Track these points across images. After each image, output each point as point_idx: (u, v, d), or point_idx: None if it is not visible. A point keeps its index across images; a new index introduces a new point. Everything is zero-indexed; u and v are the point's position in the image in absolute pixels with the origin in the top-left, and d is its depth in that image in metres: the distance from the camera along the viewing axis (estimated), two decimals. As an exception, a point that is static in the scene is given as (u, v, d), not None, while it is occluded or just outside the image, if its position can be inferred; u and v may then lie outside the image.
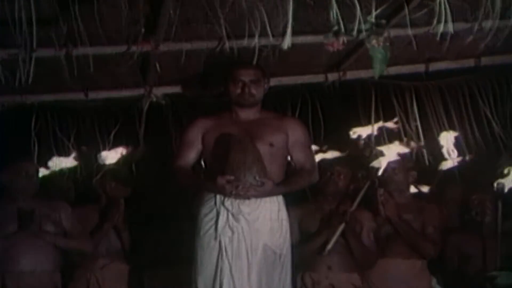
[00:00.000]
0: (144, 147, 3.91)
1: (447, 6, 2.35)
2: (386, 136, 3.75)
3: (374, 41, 2.50)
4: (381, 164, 3.48)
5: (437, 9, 2.30)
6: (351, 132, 3.77)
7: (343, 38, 2.33)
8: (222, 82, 2.99)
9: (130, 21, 2.63)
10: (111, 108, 3.83)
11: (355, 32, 2.40)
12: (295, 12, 2.46)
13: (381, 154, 3.49)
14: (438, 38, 2.55)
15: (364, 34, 2.45)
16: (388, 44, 2.54)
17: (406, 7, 2.53)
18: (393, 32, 2.71)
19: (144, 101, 3.45)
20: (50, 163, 3.96)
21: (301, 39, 2.88)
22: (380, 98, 3.82)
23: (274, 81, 3.34)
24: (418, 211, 3.42)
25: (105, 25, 2.65)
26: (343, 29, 2.24)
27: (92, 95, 3.52)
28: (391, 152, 3.49)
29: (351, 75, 3.51)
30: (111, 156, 3.91)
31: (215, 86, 3.35)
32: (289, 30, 2.15)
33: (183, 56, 2.95)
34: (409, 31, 2.63)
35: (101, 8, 2.50)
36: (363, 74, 3.49)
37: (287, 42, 2.17)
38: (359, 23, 2.36)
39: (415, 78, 3.70)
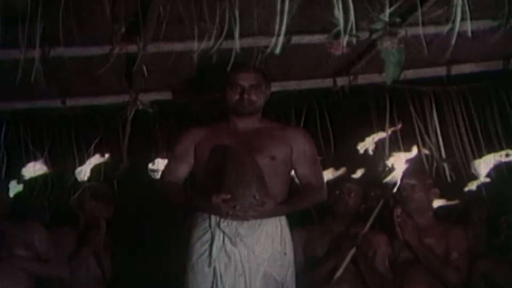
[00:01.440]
0: (128, 160, 3.92)
1: (470, 1, 2.37)
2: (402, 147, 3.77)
3: (387, 43, 2.52)
4: (397, 179, 3.49)
5: (458, 4, 2.31)
6: (362, 143, 3.79)
7: (346, 40, 2.34)
8: (217, 87, 2.99)
9: (114, 18, 2.64)
10: (91, 117, 3.84)
11: (360, 33, 2.42)
12: (301, 9, 2.48)
13: (392, 168, 3.51)
14: (454, 38, 2.55)
15: (376, 34, 2.47)
16: (403, 45, 2.56)
17: (419, 4, 2.54)
18: (410, 31, 2.73)
19: (129, 108, 3.46)
20: (22, 179, 3.96)
21: (306, 39, 2.90)
22: (396, 105, 3.84)
23: (276, 86, 3.36)
24: (441, 234, 3.41)
25: (85, 23, 2.66)
26: (348, 29, 2.26)
27: (71, 102, 3.53)
28: (401, 161, 3.50)
29: (363, 79, 3.53)
30: (89, 172, 3.92)
31: (210, 91, 3.36)
32: (281, 31, 2.15)
33: (173, 58, 2.96)
34: (428, 30, 2.65)
35: (81, 3, 2.51)
36: (376, 78, 3.50)
37: (279, 44, 2.17)
38: (371, 22, 2.38)
39: (435, 82, 3.72)
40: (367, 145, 3.87)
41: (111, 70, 3.02)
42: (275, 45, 2.62)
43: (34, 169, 3.97)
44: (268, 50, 2.45)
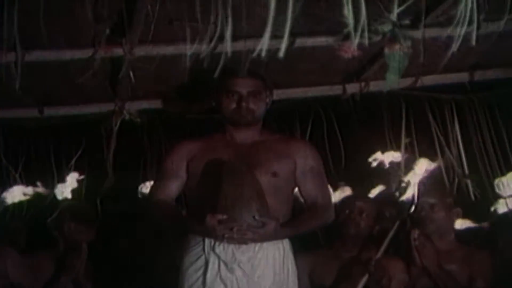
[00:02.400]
0: (113, 177, 3.92)
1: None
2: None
3: (396, 46, 2.52)
4: (415, 197, 3.49)
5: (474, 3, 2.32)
6: (374, 157, 3.79)
7: (357, 42, 2.35)
8: (212, 95, 3.01)
9: (96, 18, 2.65)
10: (72, 128, 3.85)
11: (373, 34, 2.43)
12: (305, 8, 2.49)
13: (409, 185, 3.51)
14: (458, 40, 2.55)
15: (389, 36, 2.48)
16: (409, 50, 2.57)
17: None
18: (428, 33, 2.74)
19: (114, 119, 3.46)
20: (-6, 199, 3.97)
21: (311, 41, 2.92)
22: (413, 114, 3.85)
23: (278, 94, 3.37)
24: (464, 259, 3.40)
25: (64, 23, 2.67)
26: (360, 30, 2.26)
27: (49, 111, 3.53)
28: (419, 177, 3.50)
29: (375, 86, 3.53)
30: (70, 189, 3.92)
31: (204, 100, 3.36)
32: (283, 32, 2.16)
33: (163, 63, 2.97)
34: (447, 32, 2.65)
35: (59, 1, 2.53)
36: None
37: (281, 47, 2.18)
38: (383, 22, 2.39)
39: (456, 89, 3.72)
40: (380, 158, 3.87)
41: (94, 75, 3.03)
42: (277, 48, 2.64)
43: (8, 191, 3.98)
44: (269, 54, 2.46)
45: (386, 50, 2.48)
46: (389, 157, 3.86)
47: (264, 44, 1.65)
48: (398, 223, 3.39)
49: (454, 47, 2.18)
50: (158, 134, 3.99)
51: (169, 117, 3.77)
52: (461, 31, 2.47)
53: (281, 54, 1.79)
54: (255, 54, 2.27)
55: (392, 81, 2.44)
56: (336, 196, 3.66)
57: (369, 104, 3.71)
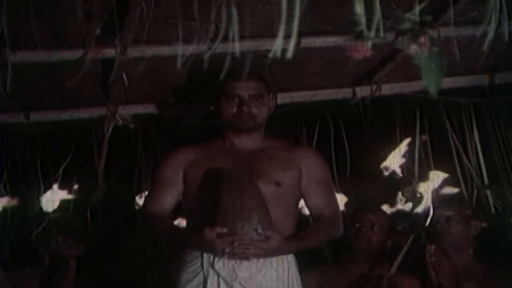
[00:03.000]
0: (104, 187, 3.92)
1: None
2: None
3: (414, 46, 2.52)
4: (430, 209, 3.48)
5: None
6: (386, 166, 3.78)
7: (370, 42, 2.35)
8: (211, 99, 3.02)
9: (87, 16, 2.66)
10: (60, 135, 3.86)
11: (386, 33, 2.42)
12: (312, 5, 2.49)
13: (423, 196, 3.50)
14: (487, 40, 2.55)
15: (403, 35, 2.47)
16: (436, 48, 2.57)
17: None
18: (444, 32, 2.74)
19: (106, 124, 3.47)
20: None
21: (319, 41, 2.92)
22: (428, 120, 3.84)
23: (283, 98, 3.38)
24: (484, 276, 3.39)
25: (52, 22, 2.68)
26: (373, 28, 2.26)
27: (35, 116, 3.54)
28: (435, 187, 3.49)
29: (388, 89, 3.54)
30: (58, 200, 3.92)
31: (202, 104, 3.38)
32: (289, 32, 2.16)
33: (159, 64, 2.98)
34: (465, 31, 2.66)
35: (47, -1, 2.54)
36: (404, 87, 3.52)
37: (287, 47, 2.19)
38: (397, 21, 2.39)
39: (475, 93, 3.72)
40: (393, 166, 3.86)
41: (84, 78, 3.03)
42: (282, 48, 2.64)
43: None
44: (273, 55, 2.46)
45: (409, 51, 2.48)
46: (399, 161, 3.86)
47: (277, 44, 1.65)
48: (412, 238, 3.38)
49: (485, 46, 2.17)
50: (153, 141, 3.98)
51: (164, 122, 3.76)
52: (485, 29, 2.47)
53: (289, 54, 1.79)
54: (266, 55, 2.28)
55: (435, 84, 2.43)
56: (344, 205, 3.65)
57: (380, 108, 3.71)
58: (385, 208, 3.78)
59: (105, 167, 3.79)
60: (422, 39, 2.54)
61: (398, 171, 3.78)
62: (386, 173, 3.82)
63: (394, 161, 3.74)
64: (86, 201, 3.96)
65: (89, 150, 3.82)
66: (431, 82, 2.55)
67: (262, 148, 2.93)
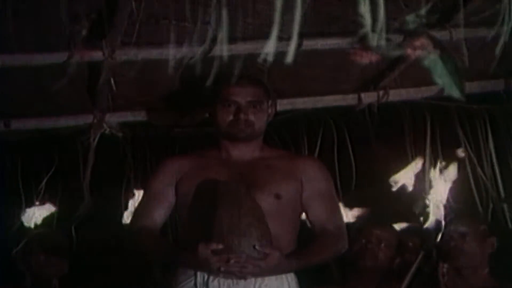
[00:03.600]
0: (90, 200, 3.93)
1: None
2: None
3: (409, 49, 2.53)
4: (441, 224, 3.49)
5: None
6: (394, 178, 3.79)
7: (375, 45, 2.36)
8: (206, 105, 3.03)
9: (72, 16, 2.67)
10: (43, 144, 3.86)
11: (393, 36, 2.42)
12: (314, 5, 2.51)
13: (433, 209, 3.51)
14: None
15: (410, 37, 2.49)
16: (438, 51, 2.58)
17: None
18: (457, 34, 2.76)
19: (92, 133, 3.48)
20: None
21: (322, 43, 2.94)
22: (439, 128, 3.85)
23: (283, 104, 3.39)
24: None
25: (35, 23, 2.69)
26: (379, 30, 2.27)
27: (17, 124, 3.54)
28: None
29: (396, 95, 3.55)
30: (40, 215, 3.92)
31: (196, 111, 3.38)
32: (290, 33, 2.17)
33: (150, 68, 2.99)
34: (477, 33, 2.67)
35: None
36: (413, 93, 3.53)
37: (287, 50, 2.20)
38: (404, 22, 2.40)
39: (490, 99, 3.73)
40: (403, 179, 3.87)
41: (69, 83, 3.03)
42: (281, 51, 2.65)
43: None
44: (268, 58, 2.47)
45: (409, 54, 2.49)
46: (410, 176, 3.86)
47: (270, 46, 1.65)
48: (423, 255, 3.39)
49: (498, 49, 2.18)
50: (143, 151, 3.99)
51: (155, 130, 3.78)
52: (498, 31, 2.48)
53: (289, 58, 1.80)
54: (259, 59, 2.28)
55: (457, 88, 2.44)
56: (349, 219, 3.66)
57: (388, 116, 3.71)
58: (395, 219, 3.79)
59: (91, 179, 3.79)
60: (418, 42, 2.55)
61: (409, 184, 3.79)
62: (395, 187, 3.83)
63: (404, 176, 3.76)
64: (70, 216, 3.97)
65: (74, 160, 3.83)
66: (452, 85, 2.56)
67: (260, 158, 2.94)
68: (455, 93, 2.55)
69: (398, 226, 3.83)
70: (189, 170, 2.93)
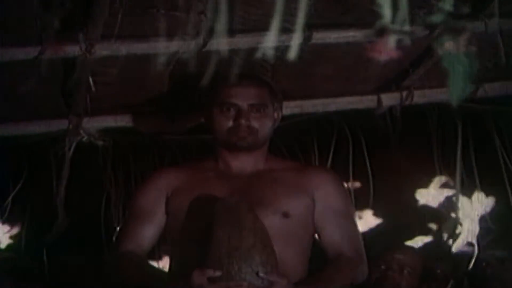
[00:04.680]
0: (65, 219, 3.93)
1: None
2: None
3: (449, 43, 2.53)
4: (475, 248, 3.49)
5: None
6: (419, 193, 3.79)
7: (396, 39, 2.35)
8: (200, 109, 3.03)
9: (45, 5, 2.67)
10: (11, 153, 3.86)
11: (417, 28, 2.42)
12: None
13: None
14: None
15: (438, 30, 2.47)
16: (474, 48, 2.58)
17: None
18: (494, 25, 2.76)
19: (67, 141, 3.48)
20: None
21: (335, 36, 2.94)
22: (472, 135, 3.85)
23: (290, 107, 3.39)
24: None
25: (0, 13, 2.69)
26: (400, 22, 2.27)
27: (-21, 131, 3.55)
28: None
29: (421, 96, 3.55)
30: (6, 236, 3.92)
31: (189, 115, 3.38)
32: (297, 25, 2.17)
33: (134, 65, 2.99)
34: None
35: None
36: (441, 94, 3.52)
37: (294, 44, 2.20)
38: (430, 12, 2.40)
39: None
40: (428, 195, 3.87)
41: (40, 83, 3.05)
42: (289, 46, 2.64)
43: None
44: (277, 54, 2.45)
45: (438, 50, 2.49)
46: (438, 191, 3.86)
47: (275, 40, 1.64)
48: (452, 284, 3.38)
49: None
50: (127, 162, 3.98)
51: (141, 138, 3.77)
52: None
53: (292, 54, 1.79)
54: (262, 54, 2.26)
55: (458, 92, 2.44)
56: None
57: (412, 121, 3.71)
58: (419, 242, 3.79)
59: (66, 194, 3.79)
60: (462, 36, 2.55)
61: (435, 201, 3.79)
62: (419, 204, 3.83)
63: (430, 191, 3.76)
64: (42, 237, 3.96)
65: (46, 173, 3.82)
66: (454, 88, 2.56)
67: (264, 171, 2.93)
68: (452, 98, 2.56)
69: (423, 250, 3.82)
70: (181, 185, 2.92)
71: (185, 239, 2.86)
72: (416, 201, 3.94)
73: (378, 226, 4.09)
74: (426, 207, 4.02)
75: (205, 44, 2.81)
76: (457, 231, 3.73)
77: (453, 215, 3.85)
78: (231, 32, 2.79)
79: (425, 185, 3.99)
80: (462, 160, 3.83)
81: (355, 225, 3.00)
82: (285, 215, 2.84)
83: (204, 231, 2.72)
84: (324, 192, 2.92)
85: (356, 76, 3.45)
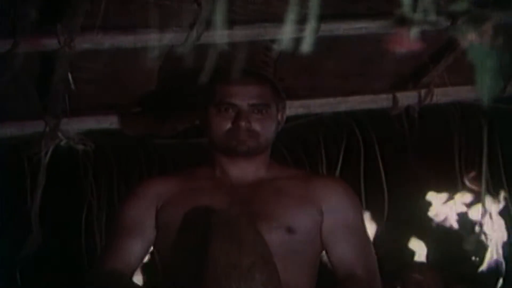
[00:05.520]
0: (40, 234, 3.92)
1: None
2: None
3: (472, 35, 2.54)
4: (501, 266, 3.50)
5: None
6: (439, 205, 3.80)
7: (415, 31, 2.36)
8: (195, 109, 3.03)
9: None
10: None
11: (439, 17, 2.42)
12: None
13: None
14: None
15: (461, 20, 2.48)
16: (501, 40, 2.59)
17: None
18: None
19: (43, 145, 3.48)
20: None
21: (344, 27, 2.94)
22: (500, 139, 3.85)
23: (295, 107, 3.39)
24: None
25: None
26: (420, 11, 2.28)
27: None
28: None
29: (442, 94, 3.56)
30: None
31: (181, 116, 3.38)
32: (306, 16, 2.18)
33: (120, 60, 3.00)
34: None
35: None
36: (466, 92, 3.53)
37: (303, 37, 2.20)
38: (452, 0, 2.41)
39: None
40: (450, 208, 3.88)
41: (14, 80, 3.05)
42: (295, 39, 2.65)
43: None
44: (280, 47, 2.46)
45: (462, 42, 2.50)
46: (461, 204, 3.87)
47: (286, 31, 1.64)
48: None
49: None
50: (111, 169, 3.99)
51: (127, 142, 3.77)
52: None
53: (305, 47, 1.79)
54: (270, 48, 2.27)
55: (490, 88, 2.45)
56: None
57: (432, 123, 3.72)
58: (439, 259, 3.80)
59: (42, 205, 3.79)
60: (488, 26, 2.56)
61: (454, 220, 3.79)
62: (439, 217, 3.84)
63: (451, 205, 3.76)
64: (14, 256, 3.96)
65: (18, 182, 3.82)
66: (483, 85, 2.57)
67: (267, 180, 2.94)
68: (483, 96, 2.56)
69: (443, 269, 3.83)
70: (172, 195, 2.92)
71: (177, 256, 2.86)
72: (436, 214, 3.95)
73: (393, 241, 4.09)
74: (447, 221, 4.02)
75: (199, 36, 2.81)
76: (483, 248, 3.74)
77: (477, 229, 3.86)
78: (228, 23, 2.78)
79: (447, 196, 3.99)
80: (488, 168, 3.84)
81: (368, 242, 3.00)
82: (290, 230, 2.84)
83: (198, 247, 2.72)
84: (333, 204, 2.92)
85: (369, 72, 3.46)
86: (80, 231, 4.13)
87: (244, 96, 2.88)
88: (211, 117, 2.91)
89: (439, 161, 3.95)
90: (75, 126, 3.51)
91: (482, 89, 2.57)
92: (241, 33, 2.88)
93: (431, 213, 4.02)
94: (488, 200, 3.88)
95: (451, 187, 3.97)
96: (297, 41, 2.51)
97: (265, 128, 2.90)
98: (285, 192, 2.92)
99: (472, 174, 3.83)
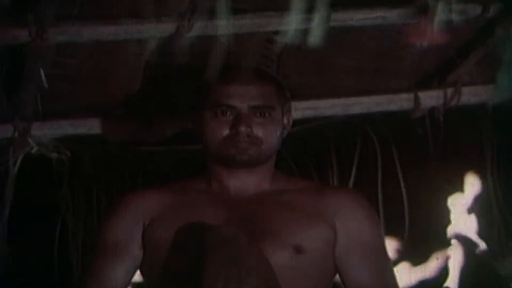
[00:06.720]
0: (8, 254, 3.94)
1: None
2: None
3: (505, 27, 2.55)
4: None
5: None
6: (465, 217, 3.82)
7: (439, 21, 2.37)
8: (187, 112, 3.04)
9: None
10: None
11: (467, 6, 2.43)
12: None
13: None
14: None
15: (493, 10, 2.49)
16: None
17: None
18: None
19: (12, 152, 3.49)
20: None
21: (358, 17, 2.95)
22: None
23: (301, 109, 3.41)
24: None
25: None
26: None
27: None
28: None
29: (471, 94, 3.57)
30: None
31: (171, 120, 3.39)
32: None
33: (101, 55, 3.01)
34: None
35: None
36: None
37: (310, 28, 2.21)
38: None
39: None
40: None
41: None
42: (300, 29, 2.66)
43: None
44: (285, 40, 2.46)
45: (496, 35, 2.52)
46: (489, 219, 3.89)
47: (292, 22, 1.65)
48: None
49: None
50: (89, 180, 4.00)
51: (109, 149, 3.78)
52: None
53: (313, 39, 1.80)
54: (273, 40, 2.27)
55: (506, 87, 2.47)
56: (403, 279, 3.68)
57: (459, 126, 3.73)
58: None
59: (10, 220, 3.80)
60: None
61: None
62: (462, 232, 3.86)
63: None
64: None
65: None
66: (502, 81, 2.60)
67: (271, 193, 2.93)
68: (502, 93, 2.59)
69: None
70: (162, 211, 2.91)
71: (167, 281, 2.87)
72: (460, 229, 3.96)
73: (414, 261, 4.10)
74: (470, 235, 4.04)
75: (190, 28, 2.82)
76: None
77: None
78: (225, 12, 2.80)
79: (473, 208, 4.00)
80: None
81: (388, 263, 3.00)
82: (298, 250, 2.84)
83: (191, 270, 2.73)
84: (347, 220, 2.91)
85: (387, 69, 3.47)
86: (53, 249, 4.14)
87: (243, 97, 2.87)
88: (206, 121, 2.90)
89: (468, 168, 3.96)
90: (48, 131, 3.52)
91: (499, 85, 2.60)
92: (240, 24, 2.88)
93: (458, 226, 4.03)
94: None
95: (481, 199, 3.98)
96: (304, 32, 2.55)
97: (268, 134, 2.88)
98: (292, 206, 2.91)
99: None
